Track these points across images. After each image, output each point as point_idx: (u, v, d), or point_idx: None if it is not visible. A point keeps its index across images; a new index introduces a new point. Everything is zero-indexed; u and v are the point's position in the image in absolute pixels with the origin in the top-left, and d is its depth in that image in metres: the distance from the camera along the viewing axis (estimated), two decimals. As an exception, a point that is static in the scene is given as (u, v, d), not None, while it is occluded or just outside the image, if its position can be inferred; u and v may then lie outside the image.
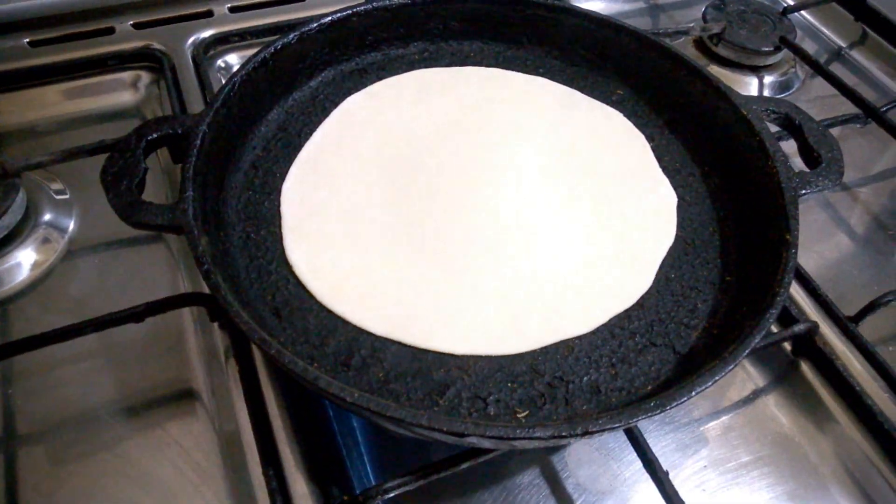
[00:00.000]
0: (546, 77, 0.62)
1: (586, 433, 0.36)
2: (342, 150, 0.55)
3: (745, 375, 0.54)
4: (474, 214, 0.51)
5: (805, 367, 0.54)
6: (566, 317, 0.46)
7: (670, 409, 0.37)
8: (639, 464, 0.46)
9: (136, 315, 0.48)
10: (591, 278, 0.48)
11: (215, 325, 0.51)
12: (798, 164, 0.53)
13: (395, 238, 0.49)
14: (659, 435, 0.50)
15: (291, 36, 0.55)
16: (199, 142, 0.47)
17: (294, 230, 0.49)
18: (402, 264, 0.48)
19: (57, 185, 0.61)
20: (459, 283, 0.47)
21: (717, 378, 0.38)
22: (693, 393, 0.38)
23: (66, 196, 0.60)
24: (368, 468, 0.48)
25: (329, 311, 0.45)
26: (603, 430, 0.37)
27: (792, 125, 0.53)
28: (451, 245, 0.49)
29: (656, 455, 0.45)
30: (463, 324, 0.45)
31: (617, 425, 0.37)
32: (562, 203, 0.53)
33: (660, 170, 0.56)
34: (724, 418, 0.52)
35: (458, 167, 0.54)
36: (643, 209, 0.53)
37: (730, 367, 0.39)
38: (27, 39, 0.70)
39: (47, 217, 0.58)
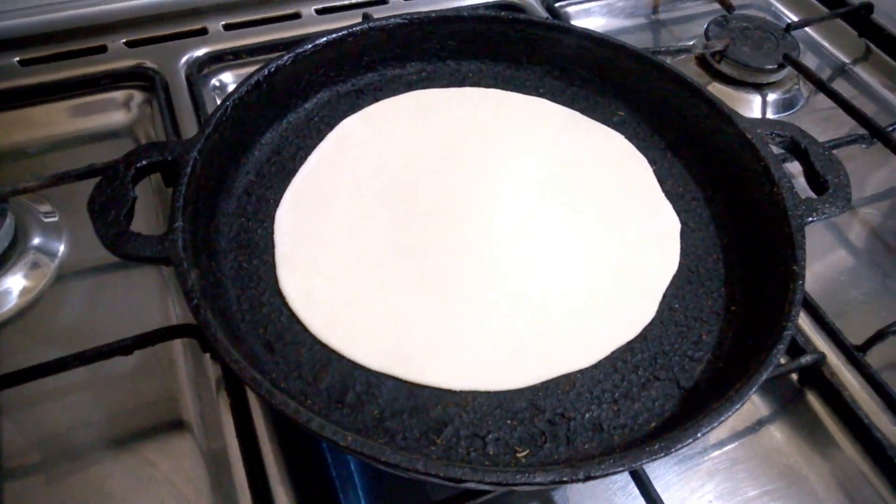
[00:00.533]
0: (546, 97, 0.61)
1: (588, 478, 0.35)
2: (337, 175, 0.53)
3: (750, 405, 0.52)
4: (472, 243, 0.50)
5: (811, 398, 0.52)
6: (567, 350, 0.45)
7: (675, 451, 0.36)
8: (641, 500, 0.44)
9: (124, 348, 0.46)
10: (593, 309, 0.47)
11: (206, 355, 0.50)
12: (802, 183, 0.52)
13: (391, 267, 0.48)
14: (663, 469, 0.48)
15: (286, 57, 0.54)
16: (189, 169, 0.46)
17: (287, 259, 0.48)
18: (399, 295, 0.47)
19: (46, 208, 0.60)
20: (457, 315, 0.46)
21: (723, 418, 0.37)
22: (699, 434, 0.37)
23: (56, 219, 0.59)
24: (363, 503, 0.47)
25: (323, 345, 0.44)
26: (606, 475, 0.35)
27: (797, 149, 0.52)
28: (449, 275, 0.48)
29: (659, 493, 0.43)
30: (460, 358, 0.44)
31: (620, 469, 0.35)
32: (562, 230, 0.51)
33: (662, 194, 0.55)
34: (729, 449, 0.50)
35: (456, 193, 0.53)
36: (645, 236, 0.52)
37: (736, 407, 0.38)
38: (17, 58, 0.69)
39: (36, 241, 0.57)
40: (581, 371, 0.44)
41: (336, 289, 0.47)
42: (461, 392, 0.43)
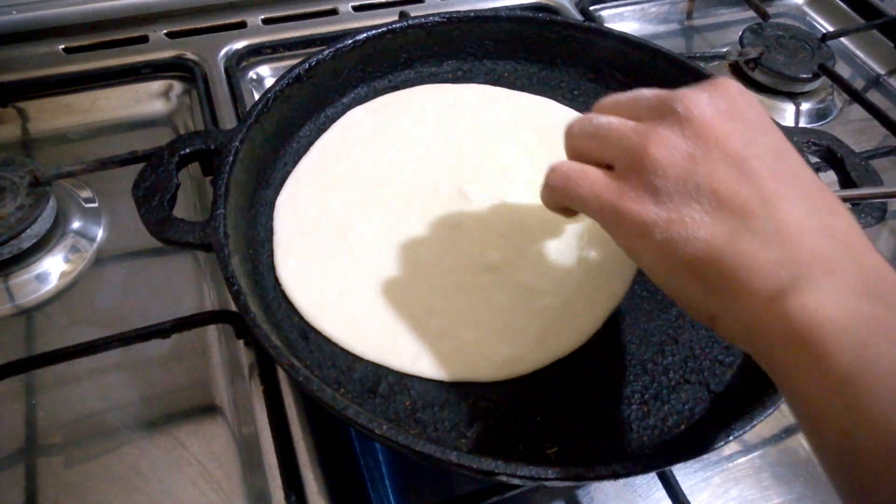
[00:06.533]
0: (581, 99, 0.61)
1: (618, 476, 0.35)
2: (338, 165, 0.54)
3: (778, 413, 0.51)
4: (466, 234, 0.50)
5: (840, 407, 0.52)
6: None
7: (706, 453, 0.36)
8: (667, 501, 0.45)
9: (162, 331, 0.47)
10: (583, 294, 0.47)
11: (241, 342, 0.51)
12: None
13: (385, 258, 0.48)
14: (688, 472, 0.49)
15: (326, 52, 0.55)
16: (231, 158, 0.46)
17: (284, 246, 0.48)
18: (392, 285, 0.47)
19: (86, 193, 0.61)
20: (453, 307, 0.46)
21: (755, 423, 0.37)
22: (730, 437, 0.37)
23: (96, 204, 0.60)
24: (391, 494, 0.47)
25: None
26: (636, 474, 0.36)
27: (833, 158, 0.52)
28: (443, 263, 0.48)
29: (686, 495, 0.44)
30: (453, 349, 0.44)
31: (651, 469, 0.36)
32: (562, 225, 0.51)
33: None
34: (756, 456, 0.50)
35: (454, 186, 0.53)
36: None
37: (768, 412, 0.38)
38: (62, 46, 0.71)
39: (76, 225, 0.58)
40: (609, 372, 0.45)
41: (330, 278, 0.47)
42: (491, 386, 0.43)
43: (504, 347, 0.44)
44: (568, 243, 0.50)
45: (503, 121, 0.58)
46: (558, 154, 0.39)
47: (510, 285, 0.47)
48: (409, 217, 0.50)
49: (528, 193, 0.53)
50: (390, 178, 0.53)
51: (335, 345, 0.44)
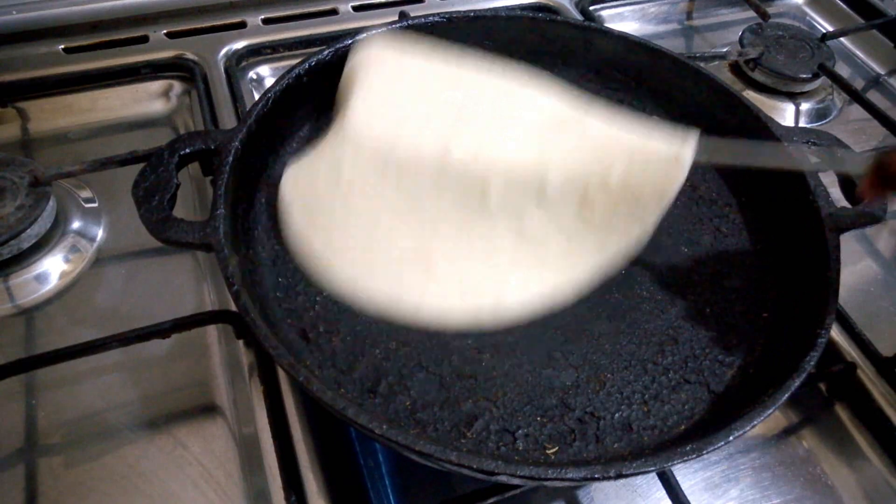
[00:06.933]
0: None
1: (620, 476, 0.35)
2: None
3: (777, 413, 0.52)
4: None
5: (840, 407, 0.52)
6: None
7: (706, 453, 0.36)
8: (667, 501, 0.45)
9: (162, 331, 0.47)
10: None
11: (240, 342, 0.51)
12: (836, 193, 0.52)
13: (395, 221, 0.48)
14: (688, 472, 0.49)
15: (326, 52, 0.55)
16: (231, 158, 0.46)
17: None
18: (401, 240, 0.47)
19: (86, 193, 0.61)
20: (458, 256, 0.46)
21: (755, 423, 0.37)
22: (731, 437, 0.37)
23: (95, 204, 0.60)
24: (391, 494, 0.47)
25: (357, 335, 0.45)
26: (636, 474, 0.36)
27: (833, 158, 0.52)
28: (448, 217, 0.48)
29: (686, 495, 0.44)
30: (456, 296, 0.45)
31: (651, 469, 0.36)
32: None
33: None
34: (756, 456, 0.50)
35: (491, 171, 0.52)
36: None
37: (769, 412, 0.38)
38: (62, 46, 0.71)
39: (76, 225, 0.58)
40: (611, 371, 0.45)
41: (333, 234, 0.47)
42: (492, 386, 0.43)
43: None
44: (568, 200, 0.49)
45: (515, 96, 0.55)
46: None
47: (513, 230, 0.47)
48: (420, 191, 0.49)
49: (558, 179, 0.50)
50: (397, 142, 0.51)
51: (334, 345, 0.44)
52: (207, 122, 0.64)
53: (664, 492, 0.45)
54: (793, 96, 0.75)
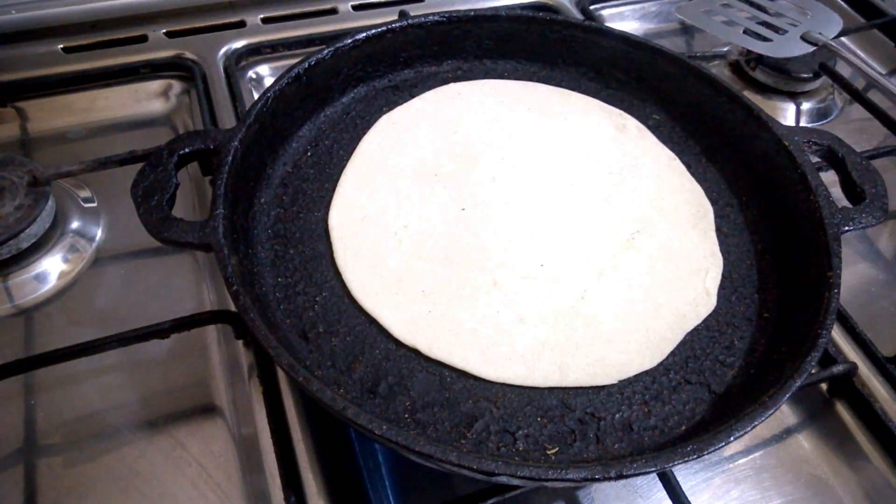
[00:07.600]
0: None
1: (620, 476, 0.35)
2: (382, 165, 0.54)
3: (778, 413, 0.52)
4: (520, 239, 0.50)
5: (840, 408, 0.52)
6: (604, 363, 0.45)
7: (707, 453, 0.36)
8: (667, 501, 0.44)
9: (161, 331, 0.47)
10: (631, 327, 0.47)
11: (240, 342, 0.51)
12: (837, 193, 0.52)
13: (437, 256, 0.49)
14: (689, 473, 0.48)
15: (326, 51, 0.55)
16: (230, 158, 0.46)
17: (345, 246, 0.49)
18: (441, 280, 0.47)
19: (85, 193, 0.61)
20: (502, 307, 0.46)
21: (756, 423, 0.37)
22: (731, 438, 0.37)
23: (94, 204, 0.60)
24: (390, 493, 0.47)
25: (356, 335, 0.45)
26: (637, 474, 0.35)
27: (834, 158, 0.52)
28: (497, 269, 0.49)
29: (687, 496, 0.44)
30: (500, 350, 0.44)
31: (652, 469, 0.35)
32: (608, 236, 0.51)
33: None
34: (756, 457, 0.50)
35: (509, 190, 0.53)
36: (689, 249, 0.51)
37: (770, 412, 0.38)
38: (61, 45, 0.71)
39: (75, 225, 0.58)
40: (612, 371, 0.44)
41: (392, 276, 0.48)
42: (492, 387, 0.43)
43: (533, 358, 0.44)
44: (621, 264, 0.50)
45: (542, 121, 0.59)
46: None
47: (551, 296, 0.47)
48: (466, 219, 0.51)
49: (581, 197, 0.54)
50: (441, 176, 0.54)
51: (334, 345, 0.44)
52: (207, 122, 0.64)
53: (665, 492, 0.45)
54: (794, 96, 0.75)
